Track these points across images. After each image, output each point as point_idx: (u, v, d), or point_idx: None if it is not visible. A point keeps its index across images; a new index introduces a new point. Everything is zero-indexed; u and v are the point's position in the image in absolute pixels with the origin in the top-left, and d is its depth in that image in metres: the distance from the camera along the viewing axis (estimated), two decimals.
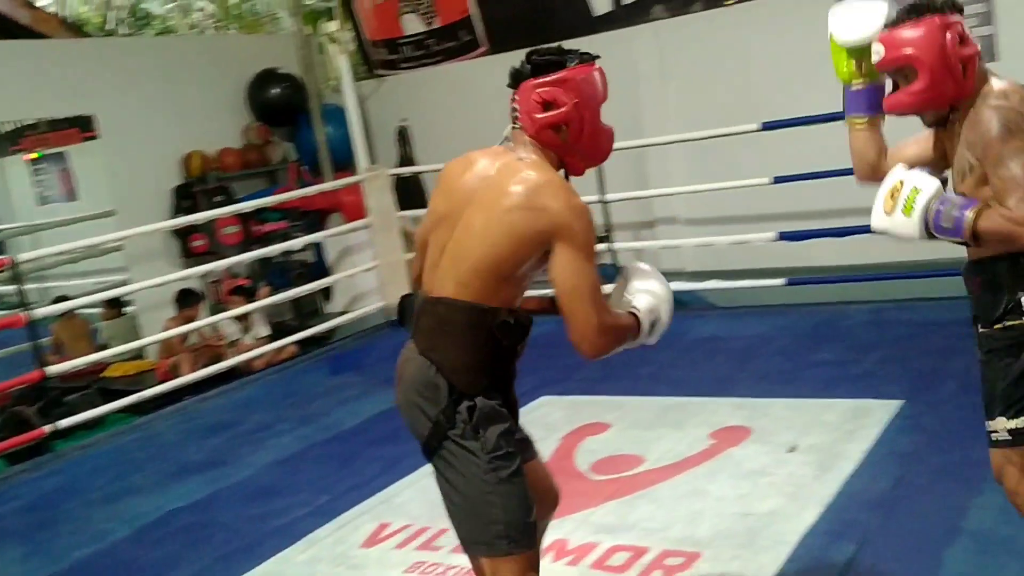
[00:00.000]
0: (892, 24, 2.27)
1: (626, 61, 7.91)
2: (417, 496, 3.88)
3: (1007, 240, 2.10)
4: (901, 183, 2.16)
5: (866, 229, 6.61)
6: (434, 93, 9.09)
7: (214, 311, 8.29)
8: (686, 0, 7.69)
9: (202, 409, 5.94)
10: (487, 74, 8.74)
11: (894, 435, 3.73)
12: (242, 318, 7.40)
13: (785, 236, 6.16)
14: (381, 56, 9.57)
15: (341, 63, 8.86)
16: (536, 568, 2.20)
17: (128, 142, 8.28)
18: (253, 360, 6.93)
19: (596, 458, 3.97)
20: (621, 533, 3.24)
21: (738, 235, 6.60)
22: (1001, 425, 2.29)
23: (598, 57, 2.23)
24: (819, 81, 6.99)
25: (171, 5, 14.02)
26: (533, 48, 2.20)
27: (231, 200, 8.41)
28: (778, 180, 6.10)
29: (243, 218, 8.46)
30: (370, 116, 9.43)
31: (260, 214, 8.72)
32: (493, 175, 2.18)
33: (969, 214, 2.10)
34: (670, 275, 7.92)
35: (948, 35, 2.17)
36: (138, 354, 7.72)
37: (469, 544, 2.24)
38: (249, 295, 7.60)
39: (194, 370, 6.72)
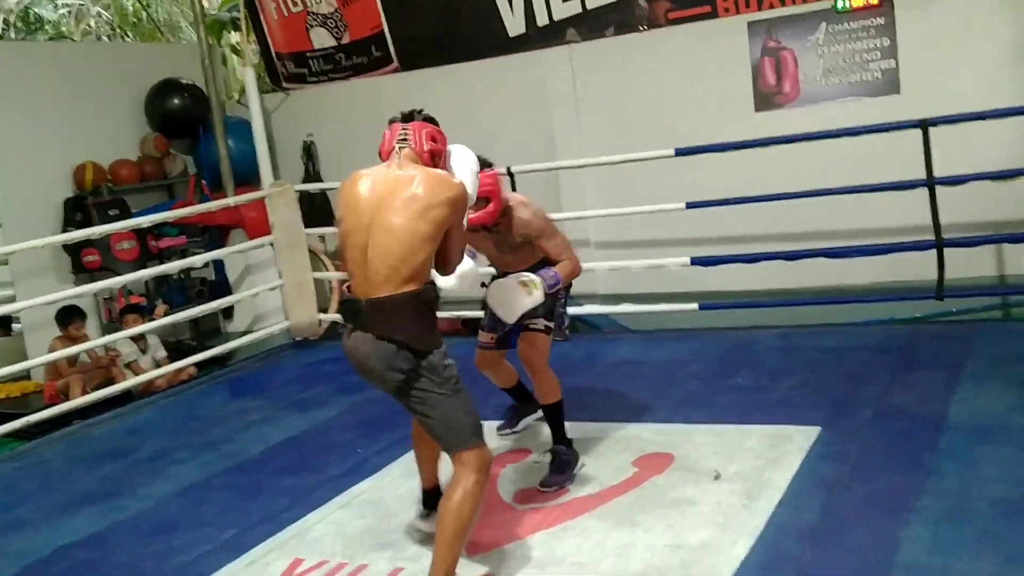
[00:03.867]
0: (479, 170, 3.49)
1: (539, 83, 7.89)
2: (331, 530, 3.70)
3: (573, 274, 3.92)
4: (529, 280, 3.67)
5: (777, 255, 6.70)
6: (342, 108, 8.89)
7: (107, 330, 7.90)
8: (600, 24, 7.70)
9: (93, 435, 5.60)
10: (398, 91, 8.60)
11: (816, 463, 3.72)
12: (137, 338, 7.04)
13: (697, 261, 6.19)
14: (288, 69, 9.32)
15: (247, 75, 8.60)
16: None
17: (15, 151, 7.86)
18: (153, 381, 6.60)
19: (519, 487, 3.85)
20: (550, 567, 3.13)
21: (651, 259, 6.60)
22: (542, 323, 3.93)
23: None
24: (731, 109, 7.21)
25: (64, 10, 13.43)
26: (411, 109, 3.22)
27: (127, 214, 8.03)
28: (690, 206, 6.13)
29: (139, 233, 8.09)
30: (274, 130, 9.18)
31: (158, 229, 8.37)
32: (392, 186, 2.97)
33: (557, 271, 3.79)
34: (582, 298, 7.89)
35: (498, 181, 3.74)
36: (23, 375, 7.27)
37: (451, 448, 3.01)
38: (145, 313, 7.25)
39: (85, 393, 6.37)
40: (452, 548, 2.89)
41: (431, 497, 3.45)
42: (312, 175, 9.04)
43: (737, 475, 3.67)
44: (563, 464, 3.89)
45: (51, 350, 6.62)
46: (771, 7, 7.07)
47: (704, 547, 3.12)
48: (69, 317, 6.99)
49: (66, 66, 8.52)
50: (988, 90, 6.27)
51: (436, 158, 3.14)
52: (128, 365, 6.99)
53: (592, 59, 7.70)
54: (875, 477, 3.51)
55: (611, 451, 4.10)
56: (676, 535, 3.24)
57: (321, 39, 9.01)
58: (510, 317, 3.73)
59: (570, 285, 4.11)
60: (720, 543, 3.13)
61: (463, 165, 3.28)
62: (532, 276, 3.69)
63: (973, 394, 4.27)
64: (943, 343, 5.19)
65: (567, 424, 3.99)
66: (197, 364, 6.77)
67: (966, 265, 6.01)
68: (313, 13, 8.97)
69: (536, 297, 3.65)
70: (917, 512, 3.16)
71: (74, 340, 6.76)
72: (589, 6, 7.70)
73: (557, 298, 3.98)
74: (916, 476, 3.45)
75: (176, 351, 7.32)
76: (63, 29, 13.42)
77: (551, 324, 3.96)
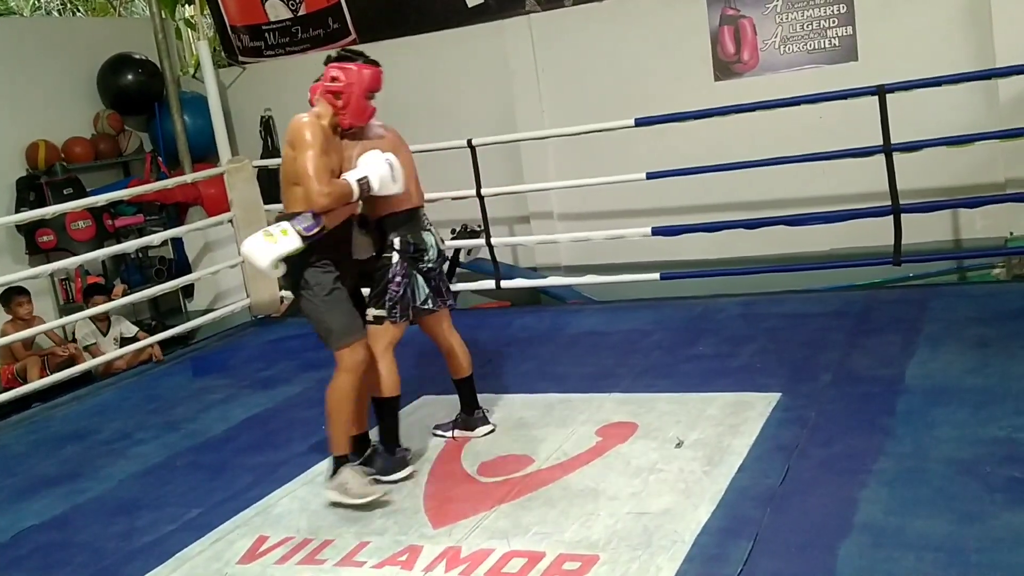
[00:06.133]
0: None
1: (499, 54, 7.84)
2: (296, 507, 3.69)
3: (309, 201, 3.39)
4: (276, 228, 3.36)
5: (737, 224, 6.75)
6: (300, 82, 8.68)
7: (64, 312, 7.79)
8: None
9: (53, 417, 5.54)
10: None
11: (776, 428, 3.76)
12: (98, 319, 6.94)
13: (658, 231, 6.21)
14: (243, 43, 9.18)
15: (201, 49, 8.46)
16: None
17: None
18: (113, 363, 6.52)
19: (483, 460, 3.86)
20: (515, 538, 3.14)
21: (612, 230, 6.62)
22: (371, 313, 3.75)
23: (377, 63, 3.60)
24: (691, 78, 7.22)
25: None
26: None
27: (81, 193, 7.89)
28: (651, 176, 6.14)
29: (95, 212, 7.97)
30: (231, 105, 9.06)
31: (114, 208, 8.24)
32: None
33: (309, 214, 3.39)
34: (546, 269, 7.89)
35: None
36: None
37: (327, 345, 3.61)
38: (104, 293, 7.15)
39: (44, 375, 6.28)
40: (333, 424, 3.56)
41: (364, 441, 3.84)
42: (271, 150, 8.92)
43: (699, 442, 3.71)
44: (372, 460, 3.76)
45: (3, 334, 6.51)
46: None
47: (666, 513, 3.15)
48: (10, 297, 6.84)
49: (16, 43, 8.35)
50: (944, 55, 6.32)
51: (339, 95, 3.50)
52: (87, 348, 6.89)
53: (552, 29, 7.66)
54: (833, 441, 3.56)
55: (575, 421, 4.12)
56: (639, 502, 3.27)
57: (277, 11, 8.87)
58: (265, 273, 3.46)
59: (438, 254, 3.84)
60: (682, 509, 3.17)
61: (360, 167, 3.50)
62: (283, 224, 3.37)
63: (930, 357, 4.34)
64: (900, 307, 5.26)
65: (540, 396, 3.94)
66: (158, 344, 6.69)
67: (922, 230, 6.09)
68: None
69: (283, 245, 3.32)
70: (874, 474, 3.22)
71: (24, 320, 6.65)
72: None
73: (389, 281, 3.71)
74: (873, 439, 3.51)
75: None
76: (12, 4, 13.11)
77: (381, 313, 3.71)
